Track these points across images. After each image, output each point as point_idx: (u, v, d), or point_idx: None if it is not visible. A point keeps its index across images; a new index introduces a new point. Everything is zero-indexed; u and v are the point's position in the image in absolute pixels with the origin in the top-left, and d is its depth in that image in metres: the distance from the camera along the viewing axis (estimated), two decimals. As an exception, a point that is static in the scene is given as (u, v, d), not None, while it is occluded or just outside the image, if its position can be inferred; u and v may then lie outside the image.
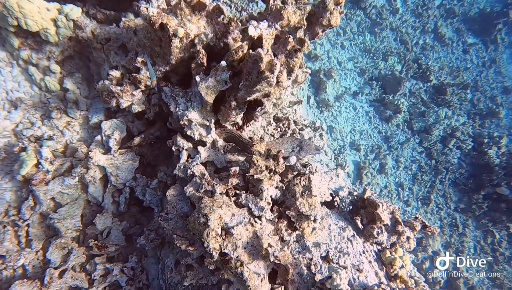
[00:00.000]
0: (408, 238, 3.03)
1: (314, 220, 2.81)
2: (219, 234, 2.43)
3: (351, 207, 3.40)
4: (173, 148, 3.17)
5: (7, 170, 3.18)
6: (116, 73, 3.10)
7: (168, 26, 2.65)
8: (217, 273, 2.64)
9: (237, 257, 2.40)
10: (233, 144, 3.33)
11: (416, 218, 3.19)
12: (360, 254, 2.92)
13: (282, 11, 2.97)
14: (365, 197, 3.24)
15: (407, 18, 10.89)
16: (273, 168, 2.77)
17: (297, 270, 2.59)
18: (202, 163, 3.06)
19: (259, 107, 3.15)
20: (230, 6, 5.41)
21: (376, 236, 3.01)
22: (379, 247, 3.13)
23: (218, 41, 2.93)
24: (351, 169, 7.87)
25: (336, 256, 2.76)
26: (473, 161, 8.70)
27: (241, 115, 3.15)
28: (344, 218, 3.32)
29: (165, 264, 3.14)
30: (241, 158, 3.16)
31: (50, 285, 2.88)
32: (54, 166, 3.16)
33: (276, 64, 2.50)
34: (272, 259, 2.39)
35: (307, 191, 2.95)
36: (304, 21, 3.09)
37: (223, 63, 2.73)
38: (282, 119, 4.34)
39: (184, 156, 3.11)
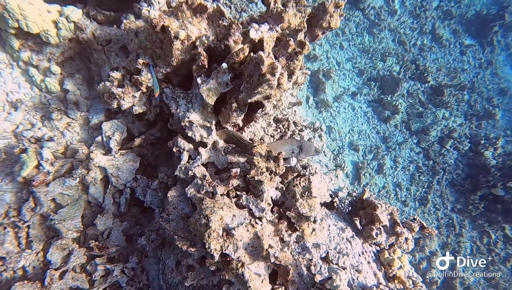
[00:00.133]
0: (406, 239, 3.07)
1: (314, 221, 2.84)
2: (220, 235, 2.45)
3: (350, 208, 3.43)
4: (174, 149, 3.18)
5: (7, 172, 3.17)
6: (117, 75, 3.11)
7: (169, 29, 2.66)
8: (218, 273, 2.66)
9: (238, 258, 2.42)
10: (234, 146, 3.35)
11: (414, 219, 3.23)
12: (359, 255, 2.96)
13: (282, 14, 2.99)
14: (364, 198, 3.28)
15: (405, 19, 10.96)
16: (274, 170, 2.80)
17: (297, 270, 2.62)
18: (203, 164, 3.08)
19: (260, 109, 3.17)
20: (230, 7, 5.42)
21: (375, 237, 3.05)
22: (378, 248, 3.17)
23: (219, 43, 2.94)
24: (349, 169, 7.92)
25: (335, 257, 2.79)
26: (469, 162, 8.79)
27: (242, 116, 3.17)
28: (343, 219, 3.35)
29: (165, 265, 3.15)
30: (242, 159, 3.19)
31: (51, 286, 2.88)
32: (54, 167, 3.16)
33: (277, 67, 2.53)
34: (272, 260, 2.42)
35: (307, 192, 2.98)
36: (305, 23, 3.11)
37: (224, 65, 2.75)
38: (282, 120, 4.37)
39: (185, 157, 3.12)
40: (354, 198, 3.53)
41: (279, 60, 2.86)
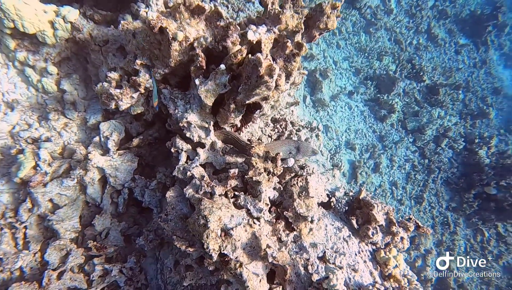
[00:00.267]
0: (402, 238, 3.12)
1: (311, 221, 2.87)
2: (219, 235, 2.47)
3: (347, 207, 3.48)
4: (172, 150, 3.19)
5: (3, 172, 3.16)
6: (114, 75, 3.10)
7: (167, 30, 2.66)
8: (216, 273, 2.69)
9: (236, 258, 2.44)
10: (231, 146, 3.37)
11: (410, 219, 3.28)
12: (356, 254, 3.00)
13: (280, 15, 3.00)
14: (360, 197, 3.32)
15: (401, 19, 11.03)
16: (272, 170, 2.82)
17: (294, 270, 2.65)
18: (201, 165, 3.09)
19: (258, 110, 3.19)
20: (227, 7, 5.42)
21: (371, 236, 3.09)
22: (374, 247, 3.22)
23: (217, 44, 2.95)
24: (346, 168, 7.99)
25: (332, 256, 2.83)
26: (464, 160, 8.91)
27: (240, 117, 3.19)
28: (340, 218, 3.39)
29: (164, 265, 3.17)
30: (240, 160, 3.20)
31: (49, 287, 2.88)
32: (52, 167, 3.15)
33: (275, 68, 2.54)
34: (270, 259, 2.45)
35: (304, 192, 3.00)
36: (302, 25, 3.12)
37: (222, 66, 2.76)
38: (280, 120, 4.39)
39: (183, 157, 3.13)
40: (351, 198, 3.57)
41: (277, 61, 2.87)
